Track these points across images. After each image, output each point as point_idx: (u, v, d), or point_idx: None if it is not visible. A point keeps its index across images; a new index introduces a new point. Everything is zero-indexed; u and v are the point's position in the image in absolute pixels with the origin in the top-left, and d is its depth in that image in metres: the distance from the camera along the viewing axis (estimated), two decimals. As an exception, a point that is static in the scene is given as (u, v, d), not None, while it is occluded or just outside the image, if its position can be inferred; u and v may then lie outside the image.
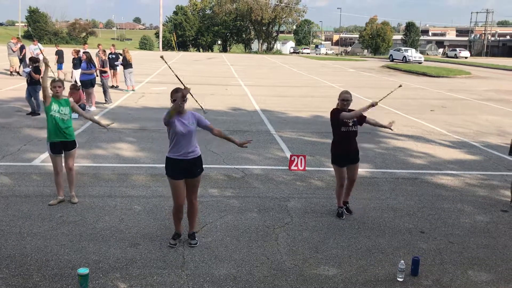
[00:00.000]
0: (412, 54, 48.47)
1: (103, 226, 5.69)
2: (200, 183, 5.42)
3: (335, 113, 6.11)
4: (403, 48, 52.95)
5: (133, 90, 18.25)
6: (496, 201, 7.14)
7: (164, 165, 5.18)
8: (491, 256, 5.30)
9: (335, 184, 7.28)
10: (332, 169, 8.43)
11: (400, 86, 7.10)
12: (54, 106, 6.30)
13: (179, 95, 4.91)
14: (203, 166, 5.29)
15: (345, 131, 6.09)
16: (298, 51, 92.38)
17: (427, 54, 77.22)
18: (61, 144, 6.38)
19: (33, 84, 12.54)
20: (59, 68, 21.17)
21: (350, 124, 6.08)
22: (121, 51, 18.82)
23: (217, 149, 9.48)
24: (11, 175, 7.49)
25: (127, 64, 17.88)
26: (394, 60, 49.27)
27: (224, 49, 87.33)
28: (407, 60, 47.11)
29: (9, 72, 22.43)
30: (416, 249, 5.38)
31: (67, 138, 6.39)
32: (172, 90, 5.09)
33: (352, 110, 6.10)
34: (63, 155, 6.45)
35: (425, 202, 6.94)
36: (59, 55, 21.10)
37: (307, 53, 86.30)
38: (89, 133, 10.77)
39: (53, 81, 6.39)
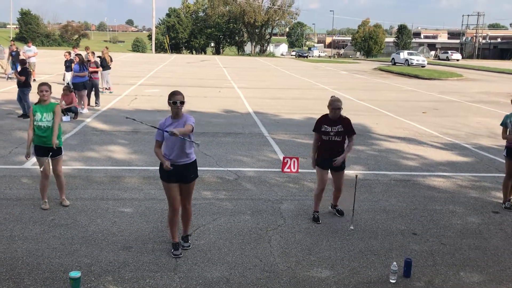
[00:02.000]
0: (415, 57, 46.56)
1: (95, 229, 5.66)
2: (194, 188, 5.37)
3: (321, 120, 6.04)
4: (405, 51, 50.79)
5: (110, 91, 18.32)
6: (488, 202, 7.18)
7: (157, 168, 5.15)
8: (482, 257, 5.33)
9: (329, 187, 7.27)
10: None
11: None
12: (37, 116, 6.12)
13: (179, 98, 4.86)
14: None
15: (326, 140, 5.96)
16: (305, 54, 79.45)
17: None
18: (45, 149, 6.21)
19: (21, 86, 12.45)
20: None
21: (332, 134, 5.91)
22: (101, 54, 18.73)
23: (209, 151, 9.47)
24: (2, 178, 7.43)
25: (106, 66, 17.83)
26: (397, 64, 47.41)
27: (217, 52, 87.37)
28: (410, 63, 45.35)
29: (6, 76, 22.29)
30: (408, 251, 5.40)
31: (50, 145, 6.19)
32: (171, 92, 4.98)
33: (346, 120, 5.98)
34: (49, 159, 6.30)
35: (417, 204, 6.97)
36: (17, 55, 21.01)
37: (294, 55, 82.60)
38: (81, 135, 10.72)
39: (40, 84, 6.25)
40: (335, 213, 6.39)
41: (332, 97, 6.06)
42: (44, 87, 6.20)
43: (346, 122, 6.01)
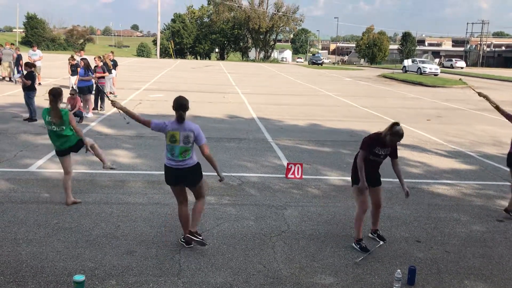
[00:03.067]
0: (428, 65, 44.19)
1: (99, 233, 5.67)
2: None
3: (374, 140, 5.50)
4: (417, 59, 48.41)
5: (115, 95, 18.41)
6: (492, 210, 7.16)
7: (161, 172, 5.17)
8: (487, 266, 5.31)
9: (334, 193, 7.29)
10: (329, 177, 8.47)
11: None
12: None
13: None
14: (201, 172, 5.41)
15: (373, 161, 5.57)
16: (320, 61, 67.01)
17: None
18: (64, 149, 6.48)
19: (27, 90, 12.53)
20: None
21: (381, 157, 5.55)
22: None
23: (213, 156, 9.46)
24: (7, 181, 7.46)
25: (107, 70, 17.94)
26: (408, 72, 45.17)
27: (222, 57, 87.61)
28: (422, 72, 43.03)
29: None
30: (412, 258, 5.39)
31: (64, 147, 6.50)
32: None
33: (394, 149, 5.62)
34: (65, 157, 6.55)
35: (421, 212, 6.95)
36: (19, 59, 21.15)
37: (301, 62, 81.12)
38: (86, 139, 10.75)
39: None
40: (374, 239, 5.82)
41: (398, 126, 5.38)
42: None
43: (394, 145, 5.60)
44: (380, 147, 5.48)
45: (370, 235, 5.93)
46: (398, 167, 5.73)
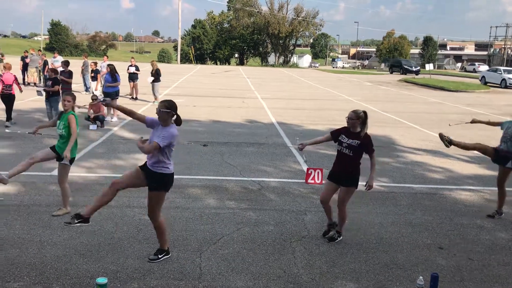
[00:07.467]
0: None
1: (121, 236, 5.75)
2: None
3: (342, 129, 5.88)
4: (502, 69, 38.45)
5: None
6: (517, 218, 7.01)
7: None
8: (512, 274, 5.20)
9: (354, 199, 7.26)
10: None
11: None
12: (57, 123, 6.52)
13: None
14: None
15: (338, 151, 5.80)
16: (417, 68, 50.57)
17: (445, 69, 76.74)
18: (57, 154, 6.50)
19: (54, 95, 12.83)
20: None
21: (344, 145, 5.69)
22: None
23: (233, 161, 9.52)
24: (32, 184, 7.63)
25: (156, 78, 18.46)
26: (488, 84, 36.56)
27: (241, 62, 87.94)
28: (508, 84, 34.64)
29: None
30: (434, 265, 5.31)
31: (60, 152, 6.44)
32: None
33: (366, 136, 5.71)
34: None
35: (443, 218, 6.85)
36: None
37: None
38: (108, 144, 10.91)
39: (65, 94, 6.56)
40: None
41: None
42: (67, 97, 6.48)
43: (364, 138, 5.67)
44: (345, 135, 5.73)
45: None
46: (372, 160, 5.81)
